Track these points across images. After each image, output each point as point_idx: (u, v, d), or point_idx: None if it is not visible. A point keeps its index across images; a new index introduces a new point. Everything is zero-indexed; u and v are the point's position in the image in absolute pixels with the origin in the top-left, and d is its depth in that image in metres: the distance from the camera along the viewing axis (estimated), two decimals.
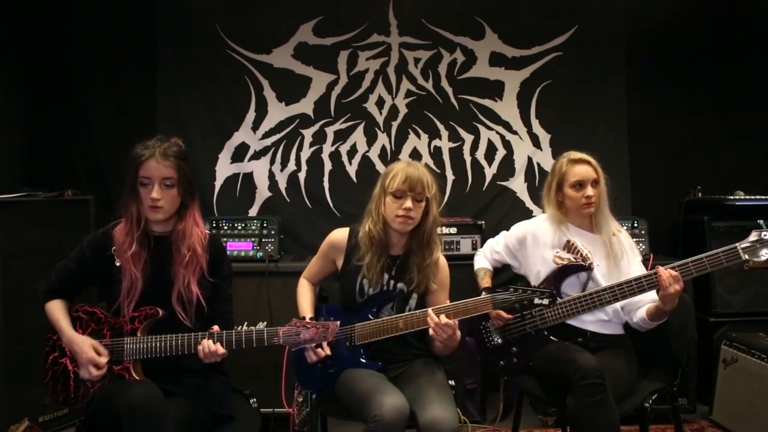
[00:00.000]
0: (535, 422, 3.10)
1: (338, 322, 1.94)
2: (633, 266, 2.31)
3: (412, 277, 2.14)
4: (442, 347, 2.10)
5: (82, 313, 2.01)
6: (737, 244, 2.09)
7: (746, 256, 2.07)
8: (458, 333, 2.01)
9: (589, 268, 2.27)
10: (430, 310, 2.00)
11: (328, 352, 2.06)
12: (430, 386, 2.00)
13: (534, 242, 2.41)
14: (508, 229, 2.57)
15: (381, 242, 2.14)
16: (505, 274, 3.05)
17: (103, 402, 1.83)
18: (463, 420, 3.00)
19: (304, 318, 1.92)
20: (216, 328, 1.93)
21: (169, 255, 1.98)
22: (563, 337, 2.28)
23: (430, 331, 1.99)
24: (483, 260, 2.58)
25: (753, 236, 2.10)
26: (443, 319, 1.95)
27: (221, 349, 1.88)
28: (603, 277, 2.29)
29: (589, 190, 2.30)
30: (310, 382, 2.24)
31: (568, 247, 2.33)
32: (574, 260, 2.29)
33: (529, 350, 2.31)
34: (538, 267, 2.37)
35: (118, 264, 1.95)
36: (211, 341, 1.88)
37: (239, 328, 1.92)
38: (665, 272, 2.08)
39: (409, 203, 2.06)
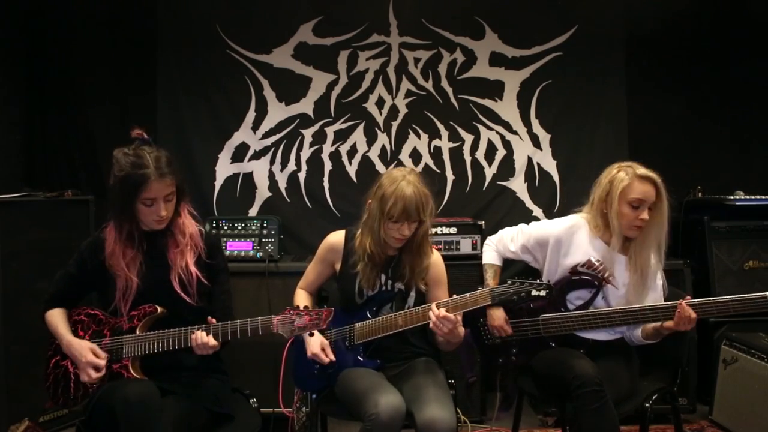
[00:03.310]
0: (535, 422, 3.10)
1: (332, 309, 1.94)
2: (648, 299, 2.23)
3: (404, 273, 2.15)
4: (445, 342, 2.11)
5: (83, 316, 2.02)
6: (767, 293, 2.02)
7: None
8: (461, 328, 2.02)
9: (598, 286, 2.23)
10: (432, 304, 2.02)
11: (332, 357, 2.09)
12: (429, 386, 2.01)
13: (555, 247, 2.30)
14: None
15: (376, 258, 2.15)
16: (515, 268, 3.05)
17: (101, 400, 1.84)
18: (464, 420, 3.01)
19: (298, 306, 1.92)
20: (213, 320, 1.92)
21: (164, 246, 2.00)
22: (564, 344, 2.27)
23: (431, 325, 1.99)
24: (494, 255, 2.44)
25: None
26: (443, 312, 1.96)
27: (212, 341, 1.88)
28: (617, 299, 2.24)
29: (645, 213, 2.16)
30: (309, 383, 2.25)
31: (589, 265, 2.25)
32: (588, 276, 2.25)
33: (529, 353, 2.30)
34: (553, 273, 2.32)
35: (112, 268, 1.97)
36: (203, 333, 1.88)
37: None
38: (686, 311, 2.04)
39: (405, 230, 2.08)
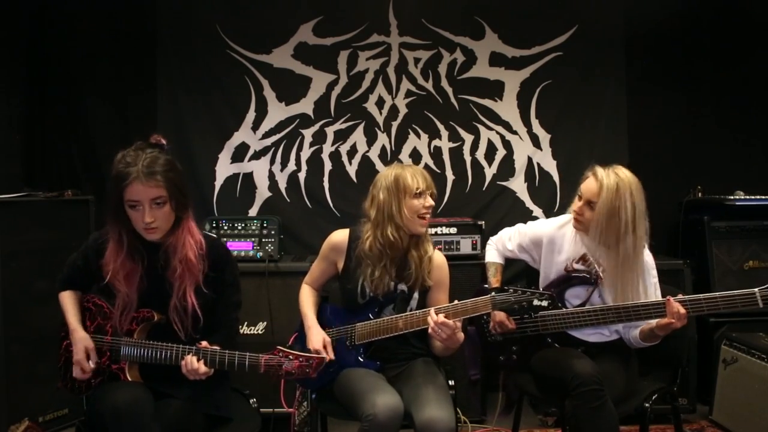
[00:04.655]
0: (535, 422, 3.10)
1: (324, 358, 1.91)
2: (644, 290, 2.20)
3: (410, 273, 2.15)
4: (442, 347, 2.11)
5: (92, 305, 2.02)
6: (756, 289, 1.98)
7: (763, 305, 1.97)
8: (460, 334, 2.00)
9: (594, 284, 2.24)
10: (431, 309, 2.01)
11: (332, 356, 2.09)
12: (428, 386, 2.01)
13: (549, 246, 2.34)
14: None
15: (400, 247, 2.14)
16: (516, 266, 3.05)
17: (93, 405, 1.85)
18: (464, 420, 3.00)
19: (289, 349, 1.88)
20: (204, 343, 1.87)
21: (166, 262, 1.93)
22: (563, 343, 2.27)
23: (429, 330, 1.99)
24: (495, 253, 2.49)
25: None
26: (441, 318, 1.96)
27: (203, 368, 1.82)
28: (611, 294, 2.23)
29: (577, 204, 2.22)
30: (309, 381, 2.24)
31: (583, 260, 2.27)
32: (583, 273, 2.25)
33: (528, 351, 2.31)
34: (549, 271, 2.34)
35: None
36: (194, 358, 1.83)
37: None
38: (674, 306, 2.02)
39: (429, 201, 2.13)
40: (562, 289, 2.28)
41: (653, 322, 2.11)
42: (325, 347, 2.10)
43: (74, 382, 1.97)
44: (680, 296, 2.07)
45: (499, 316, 2.27)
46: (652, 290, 2.22)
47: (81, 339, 1.93)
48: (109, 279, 1.89)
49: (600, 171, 2.19)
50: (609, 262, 2.22)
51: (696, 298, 2.04)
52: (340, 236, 2.26)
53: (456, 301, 2.02)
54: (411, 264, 2.15)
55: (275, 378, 1.87)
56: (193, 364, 1.82)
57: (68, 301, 2.01)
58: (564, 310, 2.24)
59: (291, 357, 1.84)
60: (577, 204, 2.24)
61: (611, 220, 2.12)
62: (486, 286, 2.44)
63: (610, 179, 2.14)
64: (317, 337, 2.12)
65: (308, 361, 1.84)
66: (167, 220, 1.86)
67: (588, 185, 2.19)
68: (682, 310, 2.01)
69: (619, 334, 2.28)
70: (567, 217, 2.37)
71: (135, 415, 1.71)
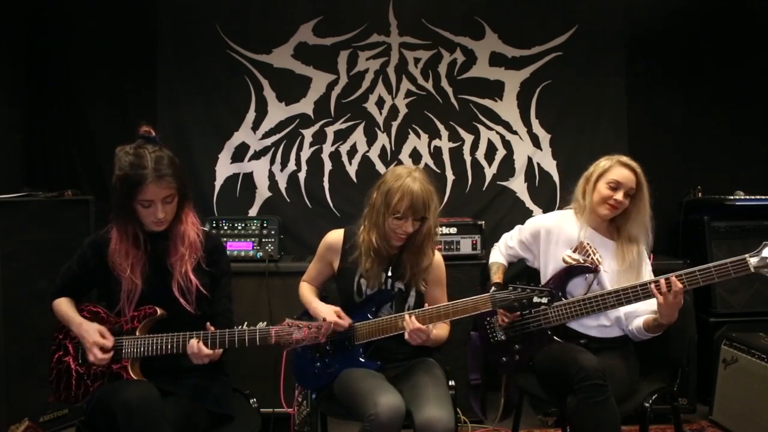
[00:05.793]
0: (535, 422, 3.10)
1: (331, 322, 1.95)
2: (641, 277, 2.25)
3: (404, 272, 2.16)
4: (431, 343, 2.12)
5: (86, 313, 2.02)
6: (747, 255, 2.02)
7: (754, 270, 2.01)
8: (433, 334, 2.04)
9: (594, 271, 2.25)
10: (406, 314, 2.04)
11: (349, 320, 2.11)
12: (428, 386, 2.01)
13: (547, 238, 2.38)
14: (508, 230, 2.57)
15: (383, 252, 2.16)
16: (517, 266, 3.05)
17: (100, 402, 1.84)
18: (464, 420, 3.01)
19: (296, 317, 1.93)
20: (212, 327, 1.91)
21: (166, 249, 1.99)
22: (565, 338, 2.27)
23: (406, 335, 2.02)
24: (497, 255, 2.54)
25: (765, 251, 2.00)
26: (415, 323, 1.99)
27: (206, 350, 1.86)
28: (610, 282, 2.26)
29: (620, 195, 2.25)
30: (309, 381, 2.25)
31: (580, 248, 2.29)
32: (582, 262, 2.27)
33: (532, 349, 2.31)
34: (549, 263, 2.36)
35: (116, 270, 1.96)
36: (198, 342, 1.87)
37: (239, 328, 1.92)
38: (672, 278, 2.05)
39: (408, 226, 2.09)
40: (563, 282, 2.29)
41: (653, 304, 2.12)
42: (339, 316, 2.10)
43: (68, 393, 1.98)
44: (675, 273, 2.11)
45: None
46: (647, 277, 2.27)
47: (89, 326, 1.94)
48: (114, 266, 1.94)
49: (626, 159, 2.30)
50: (606, 248, 2.28)
51: (690, 271, 2.07)
52: (335, 236, 2.27)
53: (456, 301, 2.03)
54: (405, 265, 2.16)
55: (286, 346, 1.93)
56: (195, 347, 1.86)
57: (64, 305, 2.03)
58: (566, 300, 2.25)
59: (300, 326, 1.90)
60: (614, 194, 2.25)
61: (647, 205, 2.29)
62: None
63: (639, 167, 2.28)
64: (328, 310, 2.13)
65: (317, 328, 1.91)
66: (173, 212, 1.96)
67: (624, 174, 2.26)
68: (679, 285, 2.05)
69: (621, 327, 2.28)
70: (565, 211, 2.44)
71: (146, 411, 1.72)
